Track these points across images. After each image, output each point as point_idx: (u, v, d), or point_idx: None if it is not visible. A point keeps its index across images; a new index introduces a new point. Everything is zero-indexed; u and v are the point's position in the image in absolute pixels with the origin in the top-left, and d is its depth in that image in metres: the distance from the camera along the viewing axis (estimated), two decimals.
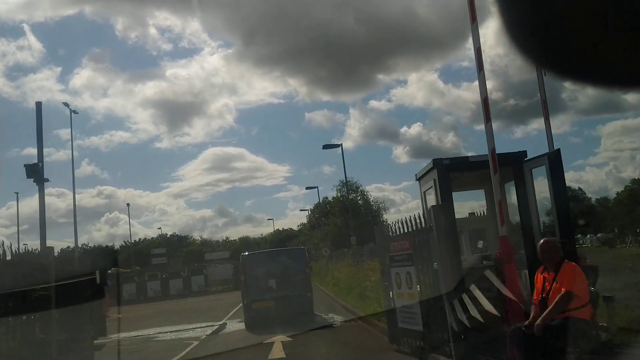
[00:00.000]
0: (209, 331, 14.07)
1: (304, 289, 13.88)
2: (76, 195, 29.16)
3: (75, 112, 31.68)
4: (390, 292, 7.97)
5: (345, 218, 48.54)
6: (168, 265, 48.50)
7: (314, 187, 42.83)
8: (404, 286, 7.21)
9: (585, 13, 0.98)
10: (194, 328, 15.28)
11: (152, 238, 71.74)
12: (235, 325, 14.99)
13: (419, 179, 7.89)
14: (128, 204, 58.55)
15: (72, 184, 29.48)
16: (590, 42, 1.03)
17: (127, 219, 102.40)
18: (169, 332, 15.32)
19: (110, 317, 24.79)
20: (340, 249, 36.00)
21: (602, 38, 1.01)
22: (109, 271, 45.59)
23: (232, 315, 18.47)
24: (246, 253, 16.36)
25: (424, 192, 7.65)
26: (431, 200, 7.22)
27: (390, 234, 7.96)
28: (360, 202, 50.33)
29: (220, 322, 15.87)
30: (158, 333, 15.35)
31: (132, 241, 66.55)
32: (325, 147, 26.86)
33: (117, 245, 73.41)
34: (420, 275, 6.82)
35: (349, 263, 23.92)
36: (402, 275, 7.24)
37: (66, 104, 31.10)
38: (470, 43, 6.57)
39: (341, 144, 26.28)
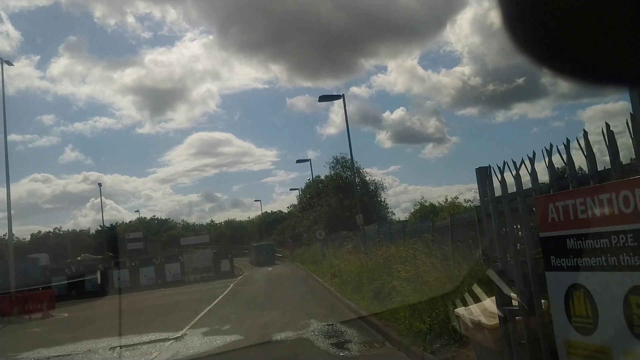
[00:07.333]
0: (153, 355, 9.20)
1: (272, 255, 49.86)
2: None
3: (9, 63, 26.15)
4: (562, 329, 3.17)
5: (340, 198, 44.00)
6: (145, 251, 44.51)
7: (307, 160, 38.27)
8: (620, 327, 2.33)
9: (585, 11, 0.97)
10: (134, 345, 10.45)
11: (130, 222, 66.51)
12: (197, 340, 10.19)
13: None
14: (100, 184, 53.00)
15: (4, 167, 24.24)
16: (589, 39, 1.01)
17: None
18: (100, 348, 10.50)
19: (54, 316, 20.18)
20: (337, 231, 31.27)
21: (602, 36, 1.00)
22: (78, 258, 40.82)
23: (201, 318, 13.70)
24: (254, 244, 54.71)
25: None
26: None
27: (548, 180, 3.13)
28: (356, 180, 45.40)
29: (177, 335, 11.03)
30: (86, 352, 10.47)
31: (109, 225, 61.47)
32: (323, 98, 21.59)
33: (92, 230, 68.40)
34: None
35: (352, 249, 19.07)
36: (609, 298, 2.34)
37: None
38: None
39: (343, 94, 21.07)
